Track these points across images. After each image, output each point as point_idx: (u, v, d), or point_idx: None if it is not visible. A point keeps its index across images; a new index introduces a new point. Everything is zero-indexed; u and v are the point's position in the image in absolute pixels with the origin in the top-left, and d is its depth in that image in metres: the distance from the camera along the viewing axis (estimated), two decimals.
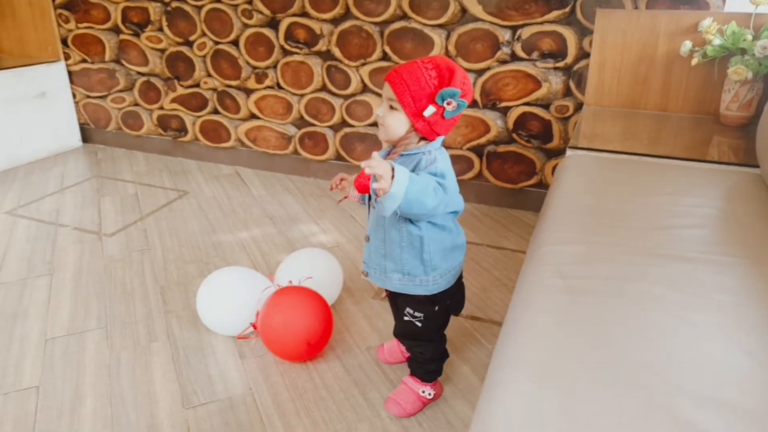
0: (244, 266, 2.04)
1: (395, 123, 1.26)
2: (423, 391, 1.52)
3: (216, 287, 1.78)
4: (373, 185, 1.13)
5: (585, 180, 1.61)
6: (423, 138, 1.28)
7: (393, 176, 1.11)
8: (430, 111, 1.21)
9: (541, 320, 0.93)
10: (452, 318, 1.88)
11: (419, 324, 1.43)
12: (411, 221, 1.29)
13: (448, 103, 1.20)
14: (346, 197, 1.42)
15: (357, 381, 1.63)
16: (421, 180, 1.17)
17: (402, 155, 1.28)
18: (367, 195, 1.35)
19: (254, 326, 1.71)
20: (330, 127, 3.10)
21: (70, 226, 2.63)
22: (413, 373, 1.54)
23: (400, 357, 1.69)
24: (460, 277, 1.47)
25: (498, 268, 2.24)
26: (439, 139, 1.30)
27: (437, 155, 1.26)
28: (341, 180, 1.44)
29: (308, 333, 1.61)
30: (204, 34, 3.18)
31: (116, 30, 3.44)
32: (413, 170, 1.25)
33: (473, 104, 2.71)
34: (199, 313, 1.81)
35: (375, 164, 1.09)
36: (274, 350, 1.66)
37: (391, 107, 1.26)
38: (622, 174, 1.66)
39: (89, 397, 1.58)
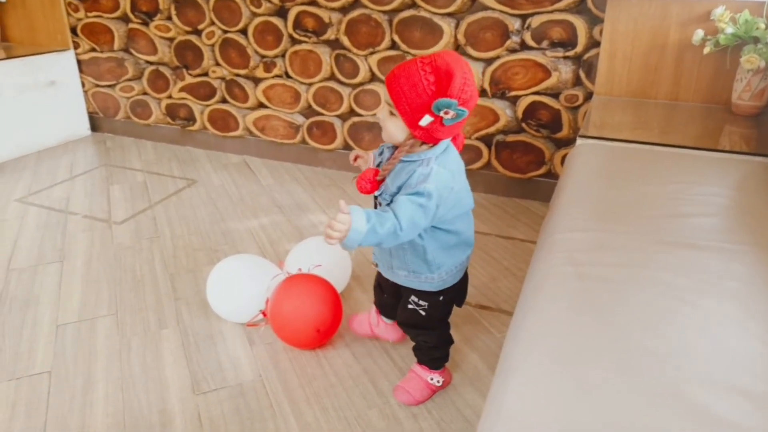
0: (253, 254, 2.05)
1: (394, 129, 1.22)
2: (431, 379, 1.52)
3: (226, 275, 1.78)
4: (325, 239, 1.14)
5: (596, 168, 1.61)
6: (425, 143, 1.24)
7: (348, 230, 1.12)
8: (426, 121, 1.15)
9: (553, 307, 0.93)
10: (461, 308, 1.89)
11: (423, 313, 1.42)
12: None
13: (446, 113, 1.14)
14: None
15: (366, 368, 1.64)
16: (380, 231, 1.14)
17: (402, 161, 1.25)
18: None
19: (264, 313, 1.72)
20: (338, 116, 3.10)
21: (80, 214, 2.64)
22: (420, 361, 1.54)
23: (368, 331, 1.71)
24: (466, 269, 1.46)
25: (507, 257, 2.24)
26: (444, 142, 1.25)
27: (434, 167, 1.20)
28: (356, 157, 1.44)
29: (318, 320, 1.62)
30: (213, 23, 3.17)
31: (125, 19, 3.44)
32: (405, 182, 1.22)
33: (482, 93, 2.70)
34: (208, 300, 1.81)
35: (330, 231, 1.11)
36: (283, 337, 1.67)
37: (391, 112, 1.21)
38: (632, 163, 1.65)
39: (101, 382, 1.60)
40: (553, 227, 1.25)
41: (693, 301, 0.92)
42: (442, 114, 1.14)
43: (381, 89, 2.91)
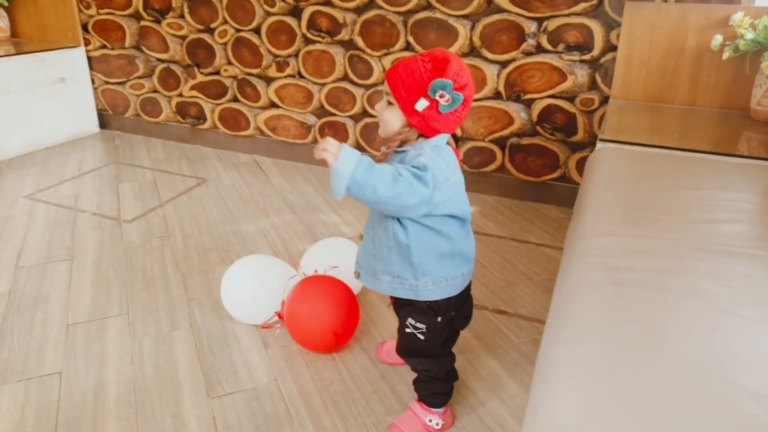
0: (266, 254, 2.02)
1: (390, 118, 1.20)
2: (430, 420, 1.40)
3: (241, 275, 1.76)
4: (316, 156, 1.08)
5: (618, 172, 1.58)
6: (422, 135, 1.21)
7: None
8: (422, 104, 1.14)
9: (590, 314, 0.90)
10: (478, 312, 1.87)
11: (421, 337, 1.32)
12: (399, 223, 1.21)
13: (441, 96, 1.13)
14: None
15: (383, 373, 1.61)
16: (380, 167, 1.09)
17: (396, 152, 1.22)
18: None
19: (279, 315, 1.69)
20: (350, 117, 3.07)
21: (90, 212, 2.62)
22: (420, 398, 1.43)
23: (398, 358, 1.59)
24: (468, 289, 1.36)
25: (523, 261, 2.22)
26: (441, 138, 1.21)
27: (428, 151, 1.17)
28: None
29: (335, 323, 1.59)
30: (225, 22, 3.15)
31: (137, 16, 3.42)
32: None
33: (497, 95, 2.67)
34: (223, 301, 1.79)
35: (322, 145, 1.07)
36: (299, 340, 1.64)
37: (389, 103, 1.20)
38: (655, 167, 1.63)
39: (112, 384, 1.57)
40: (582, 232, 1.22)
41: (733, 310, 0.90)
42: (437, 98, 1.13)
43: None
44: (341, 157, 1.06)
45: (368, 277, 1.33)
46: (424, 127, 1.18)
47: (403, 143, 1.21)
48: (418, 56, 1.17)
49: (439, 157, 1.18)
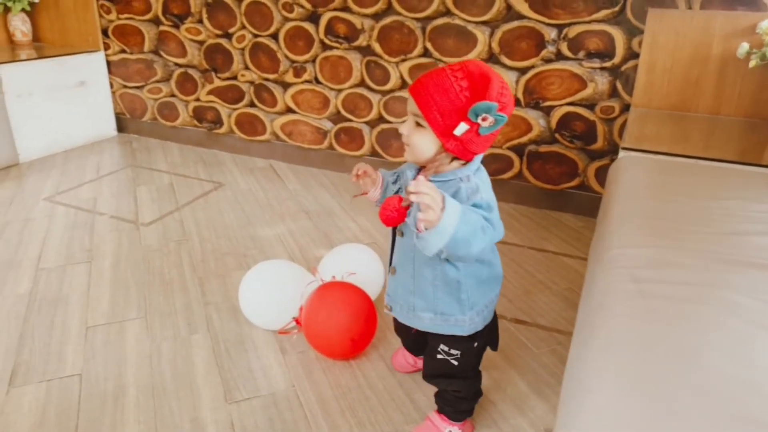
0: (283, 259, 2.01)
1: (422, 143, 1.07)
2: (449, 431, 1.37)
3: (259, 280, 1.75)
4: (419, 215, 0.94)
5: (643, 182, 1.56)
6: (456, 158, 1.10)
7: (443, 208, 0.94)
8: (462, 129, 1.01)
9: (620, 327, 0.88)
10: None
11: (456, 363, 1.25)
12: (447, 260, 1.13)
13: (484, 119, 1.00)
14: (364, 193, 1.26)
15: (401, 381, 1.59)
16: (471, 217, 0.99)
17: (433, 180, 1.09)
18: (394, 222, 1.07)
19: (297, 321, 1.68)
20: (366, 122, 3.07)
21: (108, 215, 2.63)
22: (441, 410, 1.38)
23: (408, 368, 1.59)
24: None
25: (541, 270, 2.19)
26: (477, 159, 1.12)
27: (478, 182, 1.08)
28: (363, 173, 1.25)
29: (353, 330, 1.58)
30: (243, 27, 3.17)
31: (156, 21, 3.44)
32: None
33: (516, 102, 2.65)
34: (241, 305, 1.78)
35: (424, 190, 0.92)
36: (317, 346, 1.64)
37: (418, 124, 1.08)
38: (680, 177, 1.61)
39: (131, 387, 1.57)
40: (608, 243, 1.20)
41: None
42: (479, 121, 1.00)
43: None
44: (447, 214, 0.94)
45: (404, 312, 1.26)
46: (461, 152, 1.07)
47: (436, 169, 1.11)
48: (447, 70, 1.04)
49: (483, 183, 1.11)
